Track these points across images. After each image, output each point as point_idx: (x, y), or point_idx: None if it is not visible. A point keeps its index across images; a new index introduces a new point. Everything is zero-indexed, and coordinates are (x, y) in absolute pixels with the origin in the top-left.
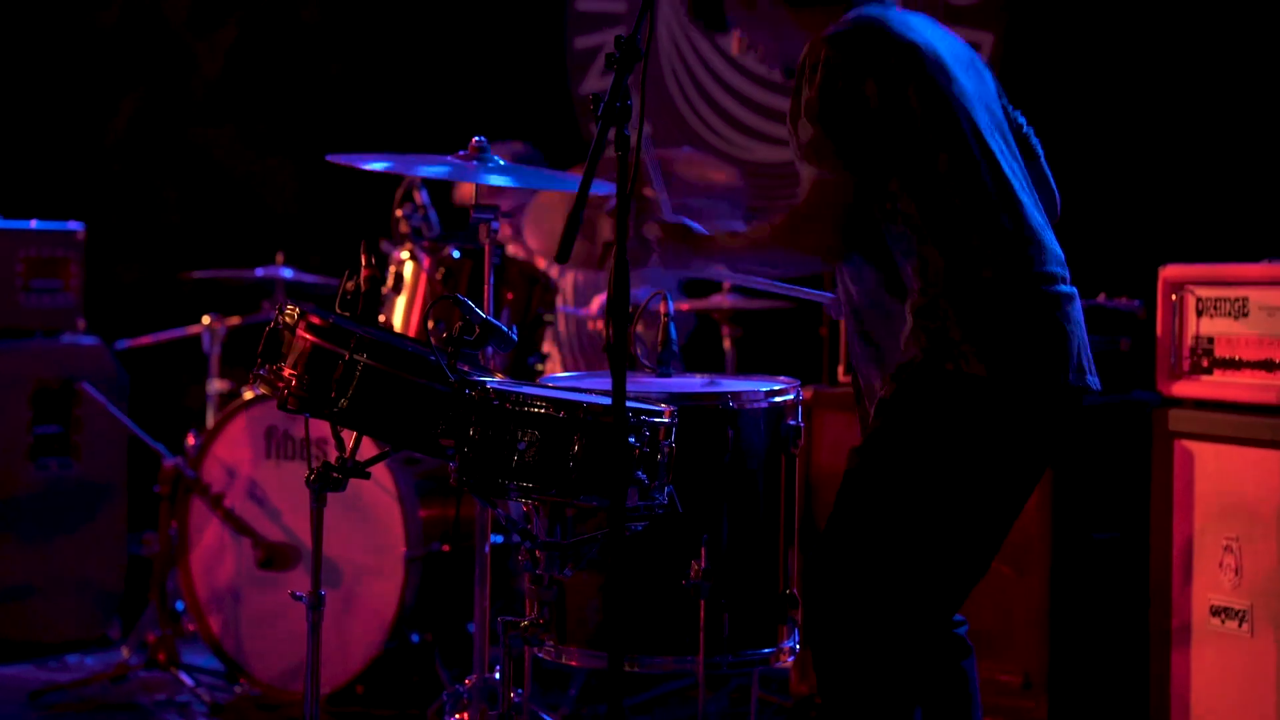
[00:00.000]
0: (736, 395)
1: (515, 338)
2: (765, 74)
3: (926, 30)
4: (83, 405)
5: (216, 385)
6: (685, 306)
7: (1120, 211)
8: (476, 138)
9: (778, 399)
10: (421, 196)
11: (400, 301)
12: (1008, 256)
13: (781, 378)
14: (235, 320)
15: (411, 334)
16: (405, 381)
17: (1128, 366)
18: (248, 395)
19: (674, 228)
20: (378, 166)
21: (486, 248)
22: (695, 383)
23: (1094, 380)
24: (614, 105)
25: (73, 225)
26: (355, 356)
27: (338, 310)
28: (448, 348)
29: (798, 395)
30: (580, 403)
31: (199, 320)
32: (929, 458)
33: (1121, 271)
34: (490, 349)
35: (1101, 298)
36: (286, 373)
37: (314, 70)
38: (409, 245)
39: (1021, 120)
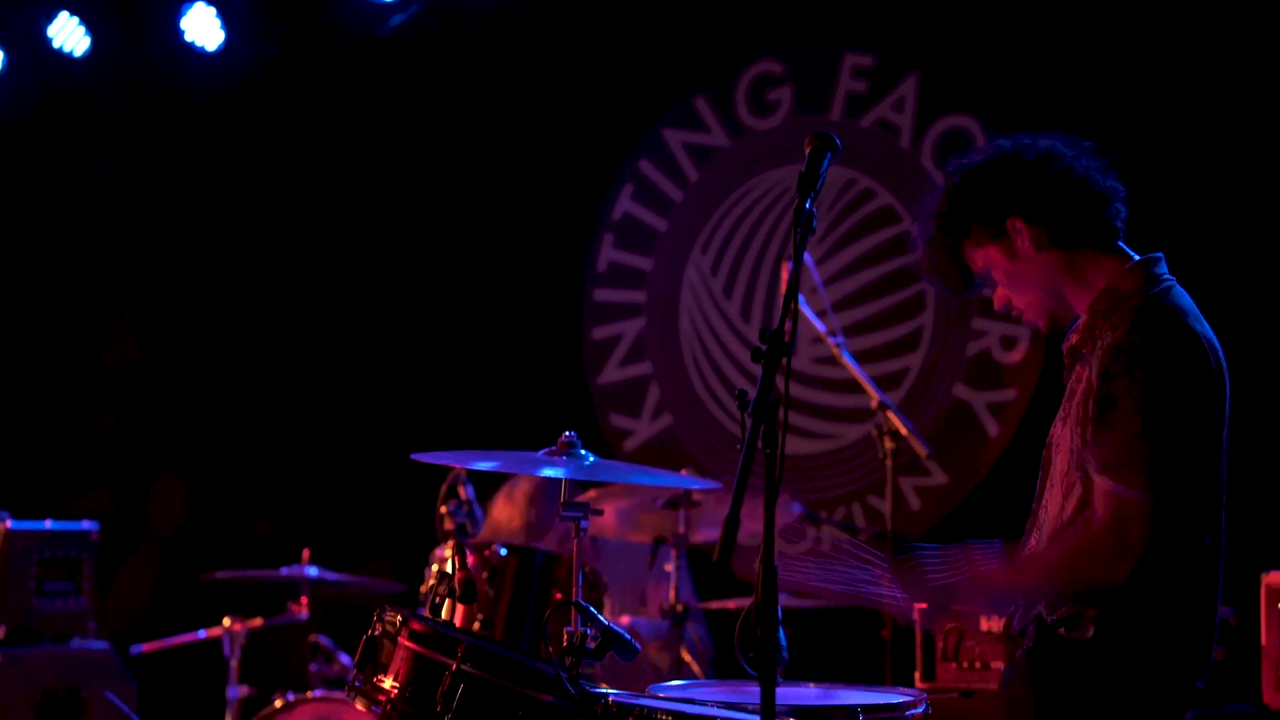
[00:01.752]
0: (871, 709)
1: (639, 646)
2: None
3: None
4: (91, 714)
5: (238, 691)
6: (730, 605)
7: None
8: (566, 433)
9: (910, 713)
10: (467, 492)
11: (447, 604)
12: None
13: (898, 689)
14: (257, 622)
15: None
16: (515, 694)
17: (1223, 677)
18: (278, 704)
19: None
20: (485, 466)
21: (575, 545)
22: (808, 692)
23: None
24: (763, 400)
25: (87, 525)
26: (462, 666)
27: (427, 614)
28: (567, 658)
29: (926, 708)
30: (710, 716)
31: (219, 622)
32: None
33: None
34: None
35: None
36: (386, 684)
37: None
38: (453, 542)
39: None
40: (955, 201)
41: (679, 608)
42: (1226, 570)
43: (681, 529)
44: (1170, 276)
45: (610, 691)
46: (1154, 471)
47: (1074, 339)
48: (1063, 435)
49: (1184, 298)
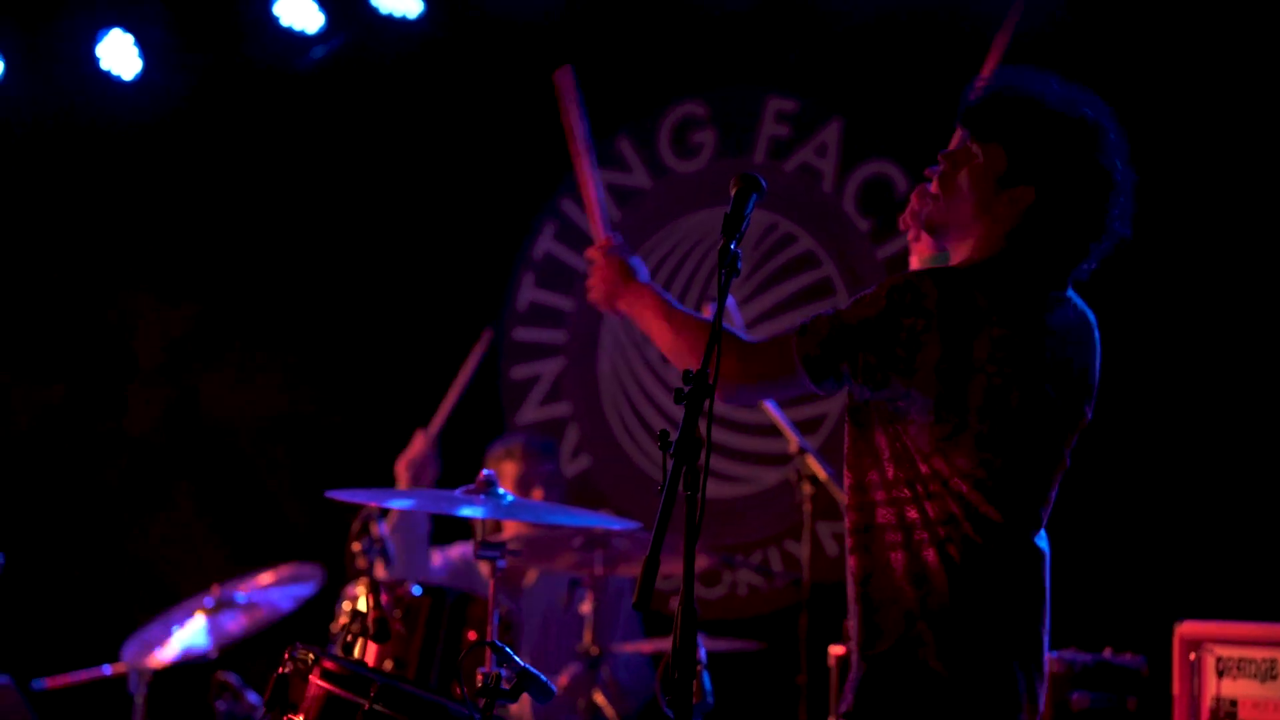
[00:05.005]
0: None
1: (554, 688)
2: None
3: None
4: None
5: None
6: (647, 648)
7: (1125, 563)
8: (485, 471)
9: None
10: (379, 529)
11: (360, 642)
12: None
13: None
14: (164, 659)
15: None
16: None
17: None
18: None
19: (616, 261)
20: (400, 505)
21: (492, 585)
22: None
23: None
24: (685, 442)
25: None
26: (375, 706)
27: (339, 653)
28: (481, 699)
29: None
30: None
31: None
32: None
33: (1125, 625)
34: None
35: (1107, 653)
36: None
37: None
38: (364, 581)
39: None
40: (1032, 122)
41: (594, 650)
42: (1140, 620)
43: (599, 570)
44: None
45: None
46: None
47: None
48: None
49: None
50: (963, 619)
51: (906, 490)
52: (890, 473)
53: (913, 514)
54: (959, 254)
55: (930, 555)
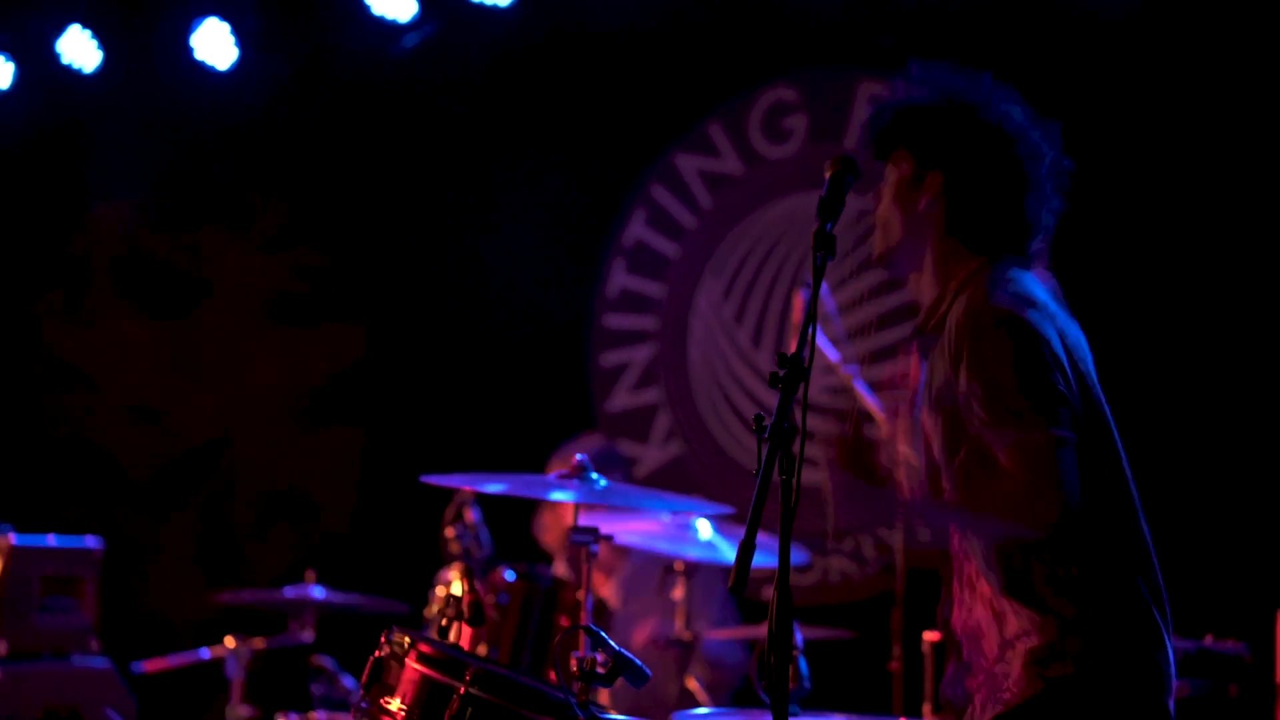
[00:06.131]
0: None
1: (649, 672)
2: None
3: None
4: None
5: (240, 712)
6: (740, 633)
7: (1227, 549)
8: (579, 456)
9: None
10: (473, 515)
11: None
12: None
13: None
14: (260, 643)
15: None
16: (523, 719)
17: (1238, 714)
18: None
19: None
20: (495, 489)
21: (585, 570)
22: None
23: None
24: (780, 426)
25: (90, 542)
26: (471, 690)
27: (436, 638)
28: (576, 683)
29: None
30: None
31: (222, 642)
32: None
33: (1226, 611)
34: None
35: (1208, 639)
36: (393, 706)
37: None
38: (459, 565)
39: None
40: (910, 119)
41: (686, 637)
42: (1240, 606)
43: (691, 557)
44: (1015, 273)
45: (620, 718)
46: (1042, 410)
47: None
48: (930, 424)
49: (1025, 283)
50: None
51: None
52: None
53: None
54: (928, 286)
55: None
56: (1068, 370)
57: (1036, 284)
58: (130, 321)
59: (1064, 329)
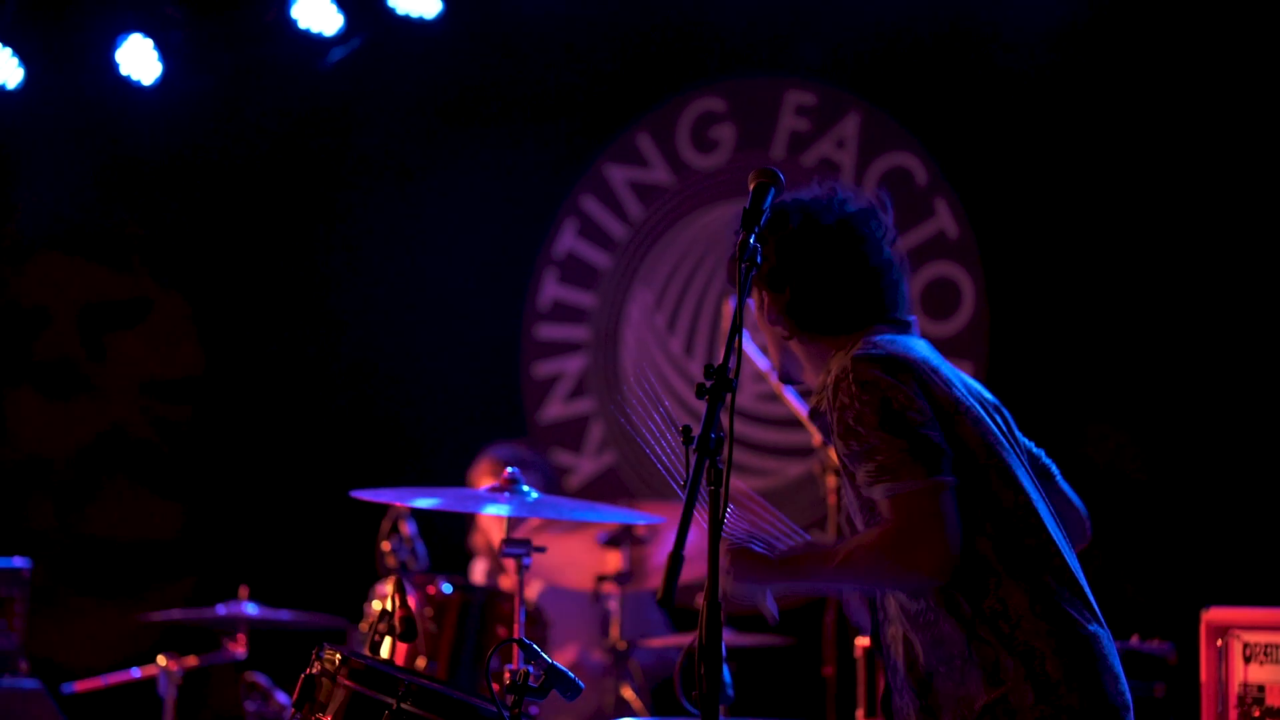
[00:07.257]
0: None
1: (582, 685)
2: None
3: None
4: None
5: None
6: (670, 641)
7: (1151, 552)
8: (509, 469)
9: None
10: (409, 528)
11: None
12: (1075, 599)
13: None
14: (193, 661)
15: None
16: None
17: (1163, 714)
18: None
19: (742, 552)
20: (426, 504)
21: (520, 583)
22: None
23: None
24: (707, 437)
25: (18, 562)
26: (403, 706)
27: (369, 654)
28: (509, 696)
29: None
30: None
31: (153, 660)
32: None
33: (1152, 612)
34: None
35: (1134, 640)
36: None
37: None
38: (392, 580)
39: (1029, 444)
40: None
41: (621, 645)
42: (1165, 607)
43: (624, 566)
44: (879, 338)
45: None
46: (917, 459)
47: (814, 403)
48: (848, 497)
49: (894, 345)
50: None
51: None
52: None
53: None
54: (811, 377)
55: None
56: (944, 412)
57: (911, 343)
58: None
59: (945, 377)
